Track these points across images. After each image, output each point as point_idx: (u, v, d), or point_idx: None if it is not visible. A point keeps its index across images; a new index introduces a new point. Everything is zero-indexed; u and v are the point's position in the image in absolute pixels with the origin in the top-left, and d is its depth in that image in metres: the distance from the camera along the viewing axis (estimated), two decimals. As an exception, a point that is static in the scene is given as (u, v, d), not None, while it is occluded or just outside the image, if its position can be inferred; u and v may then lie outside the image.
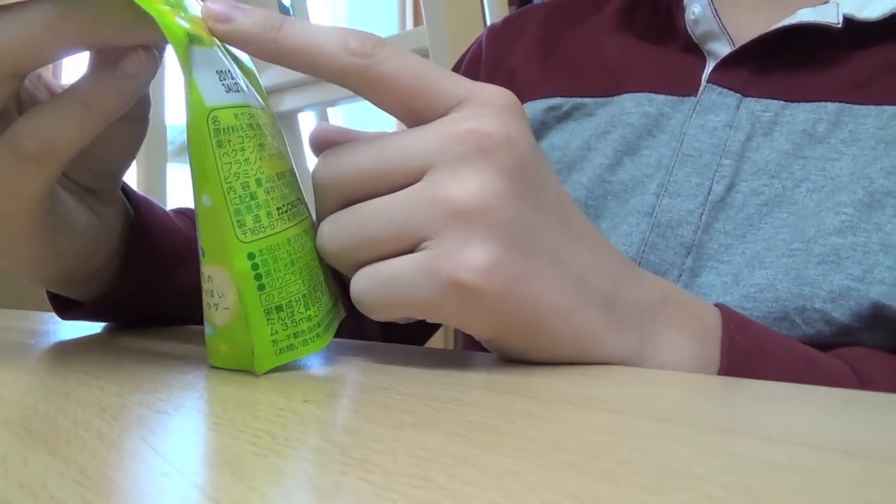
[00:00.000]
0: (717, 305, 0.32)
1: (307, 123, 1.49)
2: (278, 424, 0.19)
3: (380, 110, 0.28)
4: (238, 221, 0.26)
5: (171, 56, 0.31)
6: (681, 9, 0.46)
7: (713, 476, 0.15)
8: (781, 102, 0.42)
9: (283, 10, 1.53)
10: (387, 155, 0.26)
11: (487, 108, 0.26)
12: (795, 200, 0.40)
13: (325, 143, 0.28)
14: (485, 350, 0.31)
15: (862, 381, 0.31)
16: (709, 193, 0.42)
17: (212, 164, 0.25)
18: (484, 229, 0.24)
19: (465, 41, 0.60)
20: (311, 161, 1.44)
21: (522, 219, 0.25)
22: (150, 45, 0.27)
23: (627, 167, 0.45)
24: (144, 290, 0.39)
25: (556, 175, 0.47)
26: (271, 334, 0.26)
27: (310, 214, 0.29)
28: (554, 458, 0.16)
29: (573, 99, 0.50)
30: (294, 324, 0.27)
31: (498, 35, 0.58)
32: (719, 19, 0.44)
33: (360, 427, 0.19)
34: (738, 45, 0.44)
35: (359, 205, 0.26)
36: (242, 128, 0.26)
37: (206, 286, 0.27)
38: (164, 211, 0.42)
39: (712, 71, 0.44)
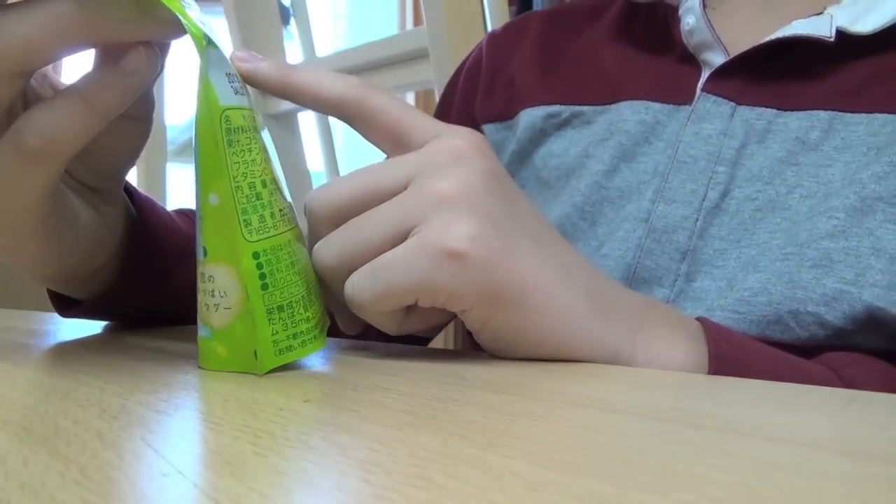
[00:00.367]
0: (697, 319, 0.33)
1: (307, 123, 1.49)
2: (278, 424, 0.19)
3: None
4: (245, 220, 0.26)
5: (170, 56, 0.31)
6: (677, 19, 0.47)
7: (713, 476, 0.15)
8: (775, 111, 0.43)
9: (283, 10, 1.53)
10: (375, 177, 0.29)
11: (461, 137, 0.30)
12: (789, 206, 0.41)
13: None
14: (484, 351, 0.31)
15: (846, 385, 0.31)
16: (703, 200, 0.42)
17: (222, 163, 0.26)
18: (467, 212, 0.27)
19: (465, 41, 0.60)
20: (311, 161, 1.42)
21: (501, 211, 0.28)
22: (156, 41, 0.27)
23: (624, 174, 0.46)
24: (146, 289, 0.39)
25: (556, 181, 0.48)
26: (272, 334, 0.27)
27: (298, 223, 0.30)
28: (554, 458, 0.16)
29: (572, 107, 0.50)
30: (294, 324, 0.27)
31: (498, 41, 0.58)
32: (713, 30, 0.45)
33: (360, 427, 0.19)
34: (732, 55, 0.45)
35: (351, 220, 0.29)
36: (249, 129, 0.27)
37: (204, 286, 0.27)
38: (166, 210, 0.42)
39: (707, 80, 0.45)
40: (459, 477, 0.14)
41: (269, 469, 0.15)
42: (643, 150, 0.46)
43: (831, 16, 0.41)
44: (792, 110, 0.43)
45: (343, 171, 1.45)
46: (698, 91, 0.45)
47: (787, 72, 0.43)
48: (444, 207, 0.27)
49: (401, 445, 0.17)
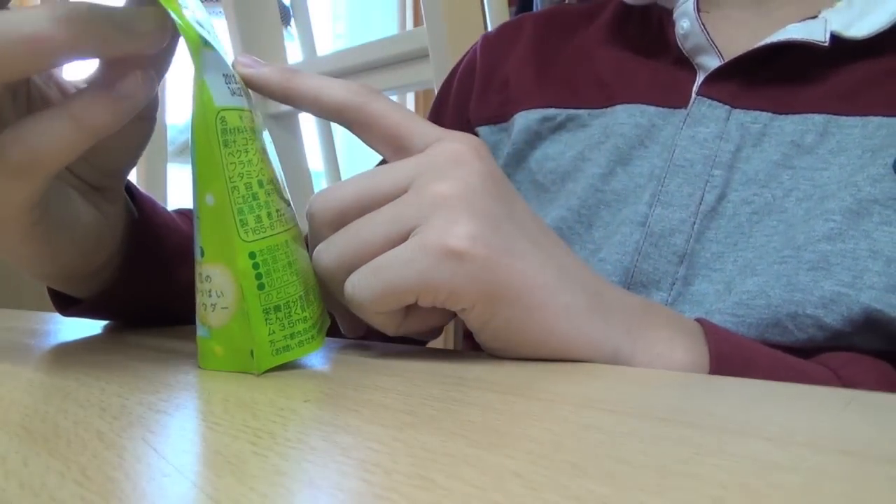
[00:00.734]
0: (696, 320, 0.33)
1: (307, 123, 1.49)
2: (278, 424, 0.19)
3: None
4: (241, 221, 0.26)
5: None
6: (671, 23, 0.47)
7: (713, 476, 0.15)
8: (770, 114, 0.43)
9: (283, 10, 1.53)
10: (376, 180, 0.29)
11: (460, 141, 0.30)
12: (785, 209, 0.41)
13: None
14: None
15: (845, 385, 0.31)
16: (700, 203, 0.42)
17: (218, 163, 0.26)
18: (467, 213, 0.27)
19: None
20: (311, 161, 1.43)
21: (499, 213, 0.28)
22: (140, 53, 0.27)
23: (620, 177, 0.46)
24: (147, 287, 0.39)
25: (551, 185, 0.48)
26: (269, 334, 0.27)
27: (297, 223, 0.30)
28: (554, 458, 0.16)
29: (567, 110, 0.50)
30: (291, 324, 0.27)
31: (493, 43, 0.58)
32: (708, 34, 0.45)
33: (360, 427, 0.19)
34: (727, 59, 0.45)
35: (351, 223, 0.29)
36: (245, 130, 0.27)
37: (202, 286, 0.27)
38: (166, 210, 0.42)
39: (702, 84, 0.45)
40: (459, 477, 0.14)
41: (269, 469, 0.15)
42: (639, 154, 0.46)
43: (825, 20, 0.42)
44: (787, 114, 0.43)
45: (343, 171, 1.45)
46: (693, 95, 0.46)
47: (781, 75, 0.44)
48: (444, 208, 0.27)
49: (401, 445, 0.17)
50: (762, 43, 0.43)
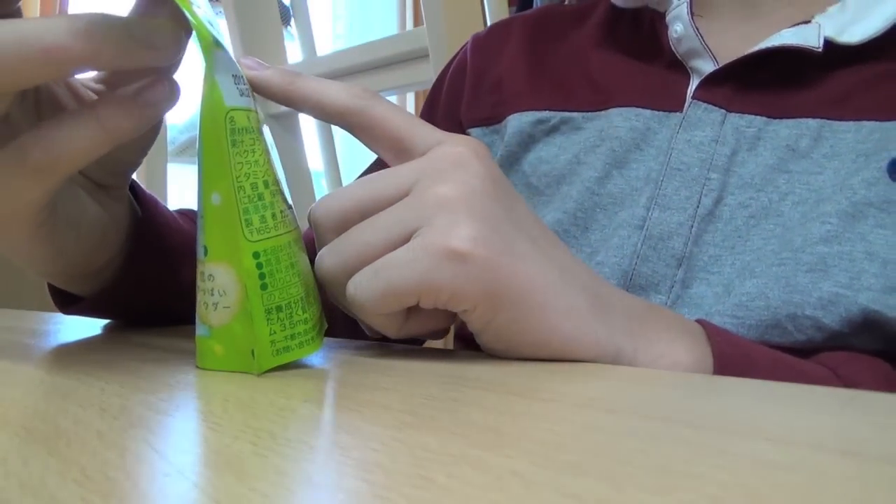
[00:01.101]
0: (697, 321, 0.34)
1: (308, 123, 1.49)
2: (278, 424, 0.19)
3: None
4: (246, 220, 0.26)
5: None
6: (664, 26, 0.47)
7: (713, 476, 0.15)
8: (764, 118, 0.43)
9: (283, 10, 1.53)
10: (377, 185, 0.29)
11: (461, 144, 0.30)
12: (781, 212, 0.41)
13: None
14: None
15: (844, 384, 0.32)
16: (698, 206, 0.43)
17: (226, 163, 0.26)
18: (468, 214, 0.27)
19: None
20: (311, 161, 1.42)
21: (501, 215, 0.29)
22: (156, 65, 0.27)
23: (616, 180, 0.46)
24: (148, 285, 0.39)
25: (546, 188, 0.48)
26: (270, 334, 0.27)
27: (298, 226, 0.30)
28: (554, 458, 0.16)
29: (561, 113, 0.50)
30: (292, 325, 0.27)
31: (483, 44, 0.58)
32: (702, 38, 0.45)
33: (360, 427, 0.19)
34: (721, 62, 0.45)
35: (354, 227, 0.29)
36: (252, 130, 0.27)
37: (204, 285, 0.27)
38: (168, 209, 0.43)
39: (697, 88, 0.45)
40: (459, 477, 0.14)
41: (269, 469, 0.15)
42: (635, 157, 0.46)
43: (819, 25, 0.42)
44: (781, 118, 0.43)
45: (343, 171, 1.44)
46: (688, 98, 0.46)
47: (775, 80, 0.44)
48: (445, 210, 0.27)
49: (401, 445, 0.17)
50: (756, 48, 0.43)
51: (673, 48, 0.47)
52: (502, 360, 0.30)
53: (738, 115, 0.44)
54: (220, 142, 0.26)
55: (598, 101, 0.49)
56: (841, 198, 0.39)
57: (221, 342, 0.27)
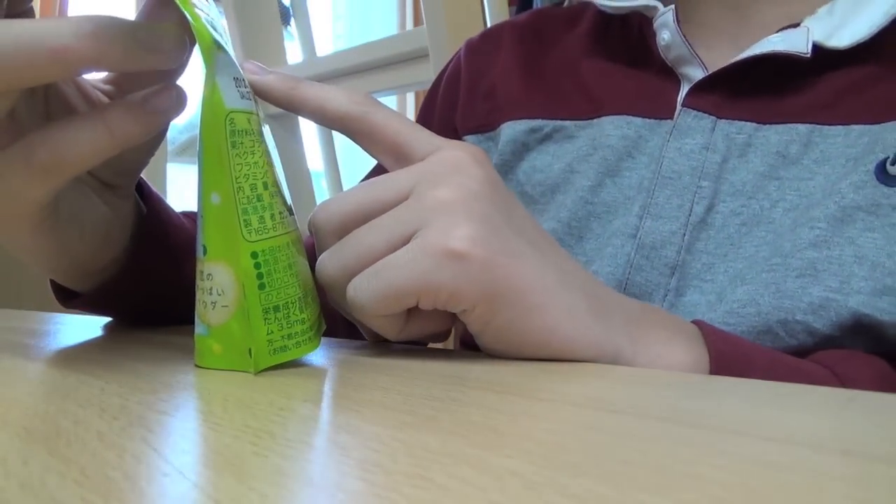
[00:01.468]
0: (693, 322, 0.34)
1: (307, 124, 1.49)
2: (278, 424, 0.19)
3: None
4: (245, 221, 0.27)
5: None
6: (652, 33, 0.47)
7: (713, 476, 0.15)
8: (754, 125, 0.43)
9: (283, 10, 1.53)
10: (377, 189, 0.30)
11: (459, 149, 0.30)
12: (773, 219, 0.41)
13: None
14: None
15: (842, 382, 0.32)
16: (690, 214, 0.43)
17: (225, 164, 0.26)
18: (467, 216, 0.28)
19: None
20: (311, 161, 1.42)
21: (499, 217, 0.29)
22: (161, 68, 0.27)
23: (609, 189, 0.46)
24: (151, 282, 0.39)
25: (541, 196, 0.49)
26: (267, 334, 0.27)
27: (297, 227, 0.30)
28: (554, 458, 0.16)
29: (554, 121, 0.50)
30: (289, 325, 0.27)
31: (476, 49, 0.58)
32: (689, 45, 0.45)
33: (360, 427, 0.19)
34: (710, 68, 0.45)
35: (354, 231, 0.29)
36: (253, 132, 0.27)
37: (203, 284, 0.28)
38: (173, 209, 0.43)
39: (686, 95, 0.45)
40: (459, 477, 0.14)
41: (269, 469, 0.15)
42: (627, 165, 0.46)
43: (807, 29, 0.42)
44: (771, 123, 0.43)
45: (343, 172, 1.44)
46: (678, 105, 0.46)
47: (764, 86, 0.44)
48: (444, 212, 0.28)
49: (401, 445, 0.17)
50: (745, 55, 0.43)
51: (662, 55, 0.47)
52: (502, 360, 0.30)
53: (727, 121, 0.44)
54: (219, 143, 0.26)
55: (590, 109, 0.49)
56: (830, 202, 0.39)
57: (219, 341, 0.27)
